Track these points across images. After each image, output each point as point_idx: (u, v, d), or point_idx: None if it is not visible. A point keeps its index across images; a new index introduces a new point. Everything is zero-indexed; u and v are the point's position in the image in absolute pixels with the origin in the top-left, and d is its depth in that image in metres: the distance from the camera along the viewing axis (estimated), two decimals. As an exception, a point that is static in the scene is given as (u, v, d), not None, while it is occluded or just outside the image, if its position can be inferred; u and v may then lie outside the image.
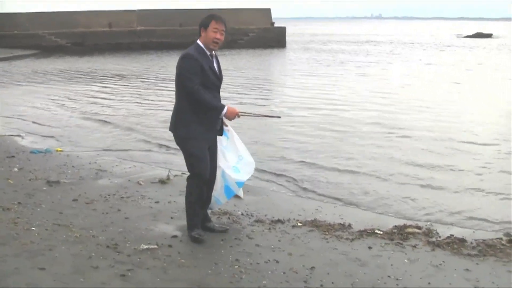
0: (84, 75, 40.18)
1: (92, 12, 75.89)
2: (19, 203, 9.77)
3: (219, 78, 8.17)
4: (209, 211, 8.96)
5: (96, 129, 19.43)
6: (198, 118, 7.97)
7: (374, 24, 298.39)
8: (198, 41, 8.07)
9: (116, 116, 22.01)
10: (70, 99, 27.18)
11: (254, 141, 16.55)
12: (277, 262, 7.56)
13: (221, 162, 8.55)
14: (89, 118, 21.48)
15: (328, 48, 75.21)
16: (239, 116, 8.26)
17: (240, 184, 8.75)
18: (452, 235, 9.06)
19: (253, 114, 8.53)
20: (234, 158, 8.71)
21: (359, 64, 48.40)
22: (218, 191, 8.67)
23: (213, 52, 8.16)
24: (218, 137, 8.53)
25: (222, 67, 8.42)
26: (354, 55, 60.17)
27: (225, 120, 8.46)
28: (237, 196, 9.79)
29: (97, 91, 29.96)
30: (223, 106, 8.02)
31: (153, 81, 35.56)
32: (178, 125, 8.07)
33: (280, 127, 19.31)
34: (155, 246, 7.85)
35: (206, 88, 7.91)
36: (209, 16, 8.10)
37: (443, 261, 7.83)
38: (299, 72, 41.09)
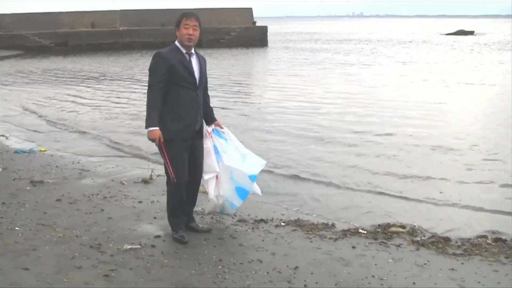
0: (67, 76, 40.00)
1: (75, 12, 75.91)
2: (3, 203, 9.72)
3: (194, 76, 7.99)
4: (196, 213, 8.87)
5: (76, 135, 19.08)
6: (173, 113, 7.86)
7: (355, 22, 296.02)
8: (176, 41, 8.03)
9: (94, 121, 21.65)
10: (50, 102, 27.06)
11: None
12: (261, 262, 7.54)
13: (227, 160, 8.43)
14: (68, 123, 21.19)
15: (309, 47, 75.23)
16: (157, 145, 7.86)
17: (253, 177, 8.61)
18: (437, 234, 9.06)
19: (167, 162, 8.01)
20: (238, 157, 8.58)
21: (339, 63, 48.05)
22: (230, 195, 8.60)
23: (193, 51, 8.08)
24: (217, 140, 8.49)
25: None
26: (335, 54, 60.14)
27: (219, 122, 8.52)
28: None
29: (76, 96, 29.30)
30: (151, 124, 7.74)
31: (129, 83, 35.08)
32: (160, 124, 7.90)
33: (254, 133, 18.75)
34: (138, 246, 7.82)
35: (180, 86, 7.84)
36: (181, 15, 8.06)
37: (428, 261, 7.81)
38: (279, 72, 40.80)
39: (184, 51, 7.99)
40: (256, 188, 8.80)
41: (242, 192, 8.62)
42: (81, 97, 28.62)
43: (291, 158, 15.27)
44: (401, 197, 11.79)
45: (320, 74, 38.94)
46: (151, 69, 7.83)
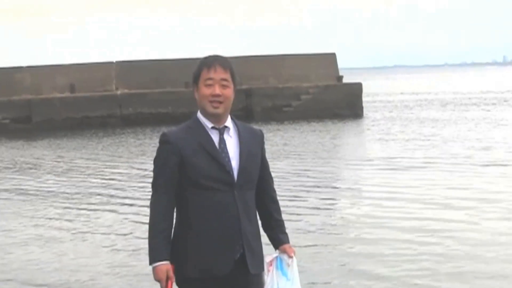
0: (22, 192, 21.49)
1: (44, 67, 49.10)
2: None
3: (228, 168, 4.96)
4: None
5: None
6: (193, 235, 5.00)
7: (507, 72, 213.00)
8: (198, 112, 5.19)
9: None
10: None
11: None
12: None
13: None
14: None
15: (434, 116, 46.20)
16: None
17: None
18: None
19: None
20: None
21: (488, 145, 28.43)
22: None
23: (228, 122, 5.09)
24: (278, 277, 5.12)
25: None
26: (478, 129, 35.97)
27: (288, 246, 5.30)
28: None
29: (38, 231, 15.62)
30: (156, 256, 4.89)
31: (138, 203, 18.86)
32: (172, 253, 5.05)
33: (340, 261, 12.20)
34: None
35: (200, 188, 4.95)
36: (199, 63, 5.15)
37: None
38: (384, 165, 24.62)
39: (209, 125, 5.08)
40: None
41: None
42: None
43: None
44: None
45: (454, 169, 22.65)
46: (154, 164, 5.12)
